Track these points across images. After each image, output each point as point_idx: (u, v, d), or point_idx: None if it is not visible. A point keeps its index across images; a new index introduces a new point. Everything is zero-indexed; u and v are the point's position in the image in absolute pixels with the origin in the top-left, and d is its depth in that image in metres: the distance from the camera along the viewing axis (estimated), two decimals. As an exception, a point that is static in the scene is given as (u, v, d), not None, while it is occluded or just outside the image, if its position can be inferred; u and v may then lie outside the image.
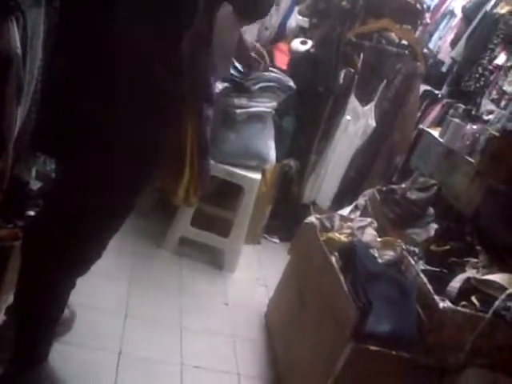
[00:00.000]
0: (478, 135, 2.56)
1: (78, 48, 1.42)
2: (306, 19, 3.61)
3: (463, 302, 1.83)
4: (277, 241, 3.38)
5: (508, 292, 1.84)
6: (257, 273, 2.95)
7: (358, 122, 3.23)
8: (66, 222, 1.52)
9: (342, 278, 1.89)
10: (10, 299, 1.74)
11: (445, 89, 4.18)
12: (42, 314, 1.62)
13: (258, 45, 2.74)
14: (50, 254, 1.55)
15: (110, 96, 1.39)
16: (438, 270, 2.04)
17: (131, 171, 1.50)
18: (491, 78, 3.75)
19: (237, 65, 2.64)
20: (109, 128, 1.41)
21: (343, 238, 2.16)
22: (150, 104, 1.42)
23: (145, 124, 1.44)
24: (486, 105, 3.60)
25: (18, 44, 1.57)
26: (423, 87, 3.75)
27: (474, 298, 1.84)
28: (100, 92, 1.39)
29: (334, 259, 2.00)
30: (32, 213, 1.95)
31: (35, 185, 2.17)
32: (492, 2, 3.98)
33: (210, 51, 1.69)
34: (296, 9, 3.54)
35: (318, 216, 2.32)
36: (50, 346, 1.70)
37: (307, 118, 3.24)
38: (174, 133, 1.65)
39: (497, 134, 2.45)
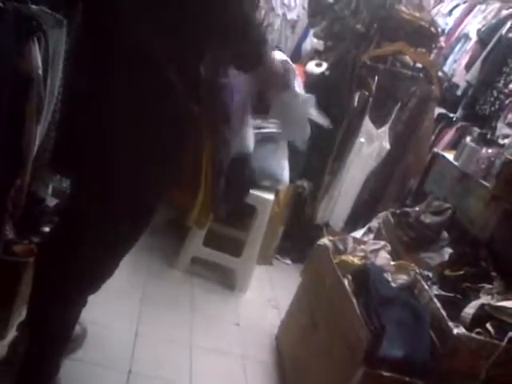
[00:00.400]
0: (493, 159, 2.55)
1: (97, 66, 1.45)
2: (321, 42, 3.64)
3: (478, 329, 1.80)
4: (289, 262, 3.36)
5: (523, 319, 1.81)
6: (268, 294, 2.93)
7: (372, 144, 3.23)
8: (79, 239, 1.53)
9: (354, 301, 1.87)
10: (24, 315, 1.75)
11: (460, 112, 4.17)
12: (53, 331, 1.62)
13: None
14: (62, 270, 1.56)
15: (129, 113, 1.40)
16: (451, 295, 2.01)
17: (148, 190, 1.52)
18: (506, 101, 3.73)
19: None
20: (126, 145, 1.42)
21: (356, 260, 2.14)
22: (166, 120, 1.44)
23: (162, 139, 1.45)
24: (502, 129, 3.58)
25: (40, 64, 1.61)
26: (438, 110, 3.75)
27: (488, 325, 1.81)
28: (117, 109, 1.41)
29: (346, 282, 1.98)
30: (47, 229, 1.97)
31: (51, 202, 2.20)
32: (507, 26, 3.99)
33: (229, 74, 1.71)
34: (311, 32, 3.58)
35: (330, 238, 2.31)
36: (60, 363, 1.70)
37: (321, 139, 3.24)
38: (191, 152, 1.67)
39: (512, 158, 2.43)
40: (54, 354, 1.67)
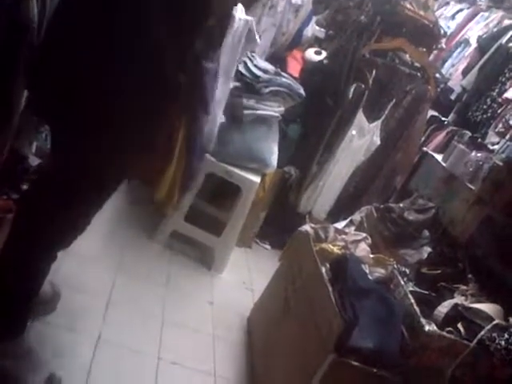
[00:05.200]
0: (481, 163, 2.57)
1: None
2: (322, 30, 3.62)
3: (449, 328, 1.82)
4: (268, 247, 3.36)
5: (494, 322, 1.83)
6: (244, 276, 2.93)
7: (362, 137, 3.22)
8: (55, 196, 1.54)
9: (330, 289, 1.87)
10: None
11: (452, 116, 4.20)
12: (21, 287, 1.61)
13: None
14: (34, 225, 1.57)
15: (116, 70, 1.39)
16: (426, 292, 2.03)
17: (127, 149, 1.51)
18: (499, 110, 3.76)
19: (250, 67, 2.64)
20: (113, 107, 1.41)
21: (336, 249, 2.14)
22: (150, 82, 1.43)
23: (144, 105, 1.44)
24: (491, 137, 3.61)
25: (36, 18, 1.57)
26: (430, 113, 3.76)
27: (460, 325, 1.82)
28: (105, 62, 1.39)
29: (324, 270, 1.98)
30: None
31: (34, 161, 2.15)
32: (508, 36, 4.01)
33: (216, 57, 1.72)
34: (314, 18, 3.55)
35: (312, 225, 2.30)
36: (27, 321, 1.68)
37: (313, 128, 3.23)
38: (167, 127, 1.67)
39: (501, 163, 2.45)
40: (21, 311, 1.66)
